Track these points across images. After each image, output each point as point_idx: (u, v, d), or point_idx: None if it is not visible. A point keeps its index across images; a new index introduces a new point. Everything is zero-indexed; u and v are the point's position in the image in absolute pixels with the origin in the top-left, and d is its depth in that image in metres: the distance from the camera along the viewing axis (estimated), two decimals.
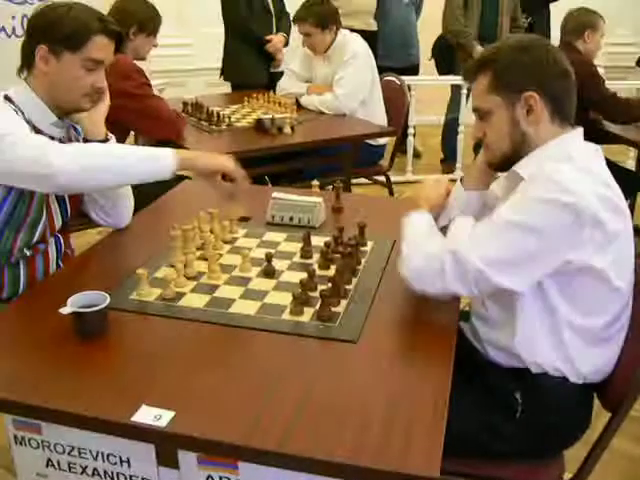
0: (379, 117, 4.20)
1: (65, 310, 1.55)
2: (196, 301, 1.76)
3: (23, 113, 1.93)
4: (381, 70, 4.45)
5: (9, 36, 5.52)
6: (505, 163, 1.76)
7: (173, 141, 3.42)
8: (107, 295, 1.60)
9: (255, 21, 4.80)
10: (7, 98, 1.94)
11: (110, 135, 2.16)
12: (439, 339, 1.63)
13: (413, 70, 5.79)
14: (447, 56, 5.61)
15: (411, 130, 5.47)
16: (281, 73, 4.76)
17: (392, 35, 5.63)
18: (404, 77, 4.55)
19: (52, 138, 1.96)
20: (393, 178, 4.55)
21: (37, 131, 1.94)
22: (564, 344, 1.67)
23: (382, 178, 4.40)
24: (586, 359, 1.70)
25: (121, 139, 3.41)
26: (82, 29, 1.91)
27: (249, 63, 4.89)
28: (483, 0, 5.33)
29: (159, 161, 1.83)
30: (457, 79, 5.37)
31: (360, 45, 4.11)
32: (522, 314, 1.69)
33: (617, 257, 1.62)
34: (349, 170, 3.80)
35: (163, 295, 1.77)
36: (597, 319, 1.67)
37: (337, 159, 3.80)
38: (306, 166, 3.83)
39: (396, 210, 2.46)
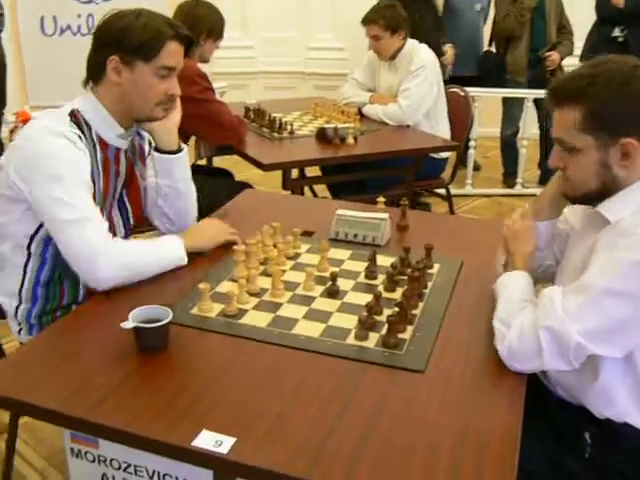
0: (443, 129, 4.12)
1: (127, 325, 1.52)
2: (258, 319, 1.72)
3: (90, 128, 1.91)
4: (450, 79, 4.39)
5: (74, 34, 5.60)
6: (587, 199, 1.66)
7: (234, 147, 3.41)
8: (169, 310, 1.57)
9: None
10: (73, 115, 1.90)
11: (183, 145, 2.14)
12: (509, 372, 1.56)
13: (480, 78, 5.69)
14: (496, 71, 5.52)
15: (472, 143, 5.37)
16: None
17: (462, 42, 5.54)
18: (469, 88, 4.48)
19: (117, 150, 1.97)
20: (452, 191, 4.46)
21: (103, 144, 1.93)
22: None
23: (441, 190, 4.33)
24: None
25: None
26: (155, 37, 1.87)
27: None
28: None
29: (174, 259, 1.95)
30: (530, 92, 5.30)
31: (428, 55, 4.03)
32: (603, 368, 1.59)
33: None
34: (411, 184, 3.73)
35: (225, 311, 1.73)
36: None
37: (399, 172, 3.73)
38: (367, 178, 3.76)
39: (463, 230, 2.42)
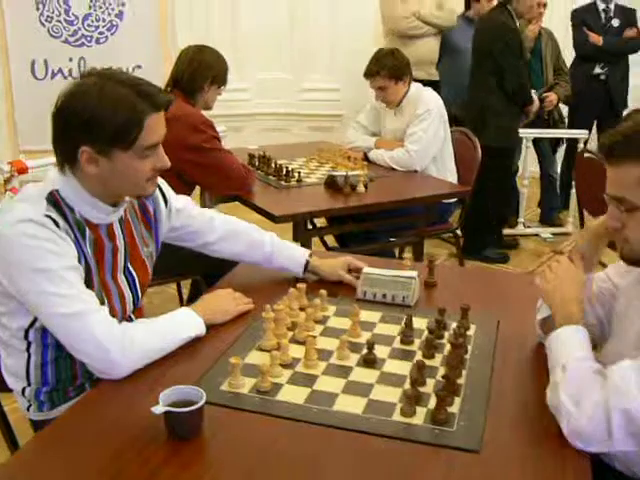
0: (450, 173, 4.04)
1: (158, 410, 1.39)
2: (295, 395, 1.59)
3: (73, 210, 1.71)
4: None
5: (66, 77, 5.51)
6: None
7: (241, 197, 3.30)
8: (202, 391, 1.44)
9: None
10: (52, 197, 1.68)
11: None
12: (573, 451, 1.43)
13: None
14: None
15: None
16: None
17: (461, 83, 5.50)
18: None
19: (109, 225, 1.79)
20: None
21: (91, 225, 1.74)
22: None
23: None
24: None
25: (186, 194, 3.29)
26: (129, 120, 1.62)
27: (514, 124, 4.87)
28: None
29: (192, 330, 1.82)
30: (529, 132, 5.30)
31: (434, 99, 3.96)
32: None
33: None
34: (424, 232, 3.63)
35: (258, 387, 1.60)
36: None
37: (409, 219, 3.63)
38: (378, 227, 3.65)
39: (492, 283, 2.31)
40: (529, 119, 5.00)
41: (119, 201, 1.80)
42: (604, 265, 1.99)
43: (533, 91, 4.87)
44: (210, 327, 1.85)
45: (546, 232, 5.60)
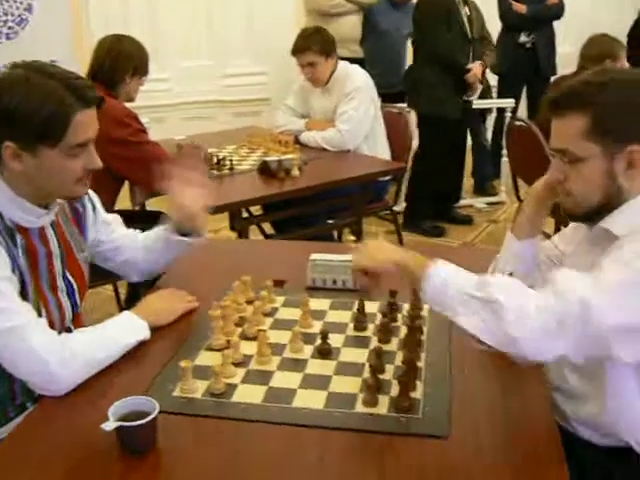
0: (383, 150, 4.00)
1: (109, 426, 1.30)
2: (251, 394, 1.52)
3: (1, 215, 1.60)
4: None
5: None
6: (590, 215, 1.54)
7: None
8: (154, 401, 1.36)
9: (457, 49, 4.72)
10: None
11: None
12: (541, 420, 1.41)
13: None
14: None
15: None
16: (470, 102, 4.95)
17: (385, 62, 5.50)
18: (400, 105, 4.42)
19: (40, 229, 1.68)
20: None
21: (21, 229, 1.63)
22: None
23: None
24: None
25: (115, 189, 3.17)
26: (56, 115, 1.52)
27: (446, 94, 4.76)
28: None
29: (137, 334, 1.71)
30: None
31: (363, 77, 3.90)
32: (612, 382, 1.47)
33: None
34: (361, 211, 3.58)
35: (212, 389, 1.52)
36: None
37: (345, 199, 3.57)
38: (315, 210, 3.58)
39: (435, 257, 2.27)
40: (475, 93, 4.95)
41: (49, 202, 1.69)
42: (548, 236, 1.98)
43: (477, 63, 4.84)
44: (155, 330, 1.76)
45: (480, 202, 5.63)
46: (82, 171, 1.63)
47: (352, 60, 4.78)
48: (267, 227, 4.17)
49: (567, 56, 5.76)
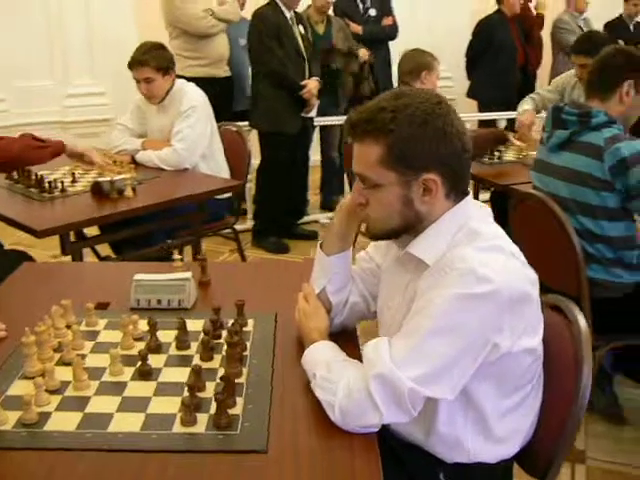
0: (222, 168, 3.99)
1: None
2: (65, 422, 1.47)
3: None
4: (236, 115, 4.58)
5: None
6: (389, 236, 1.61)
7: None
8: None
9: (290, 66, 4.74)
10: None
11: None
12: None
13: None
14: None
15: (250, 177, 5.28)
16: (311, 119, 5.07)
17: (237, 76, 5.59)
18: (241, 123, 4.47)
19: None
20: (238, 227, 4.36)
21: None
22: (491, 432, 1.55)
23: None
24: (515, 437, 1.59)
25: None
26: None
27: (283, 109, 4.81)
28: None
29: None
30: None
31: (198, 95, 3.87)
32: (438, 411, 1.54)
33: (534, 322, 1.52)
34: (200, 230, 3.56)
35: (23, 420, 1.46)
36: (521, 392, 1.56)
37: (184, 218, 3.54)
38: (152, 230, 3.52)
39: (270, 276, 2.29)
40: (312, 109, 5.02)
41: None
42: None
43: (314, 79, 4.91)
44: None
45: (325, 218, 5.73)
46: None
47: (227, 80, 5.34)
48: (106, 249, 4.06)
49: None
